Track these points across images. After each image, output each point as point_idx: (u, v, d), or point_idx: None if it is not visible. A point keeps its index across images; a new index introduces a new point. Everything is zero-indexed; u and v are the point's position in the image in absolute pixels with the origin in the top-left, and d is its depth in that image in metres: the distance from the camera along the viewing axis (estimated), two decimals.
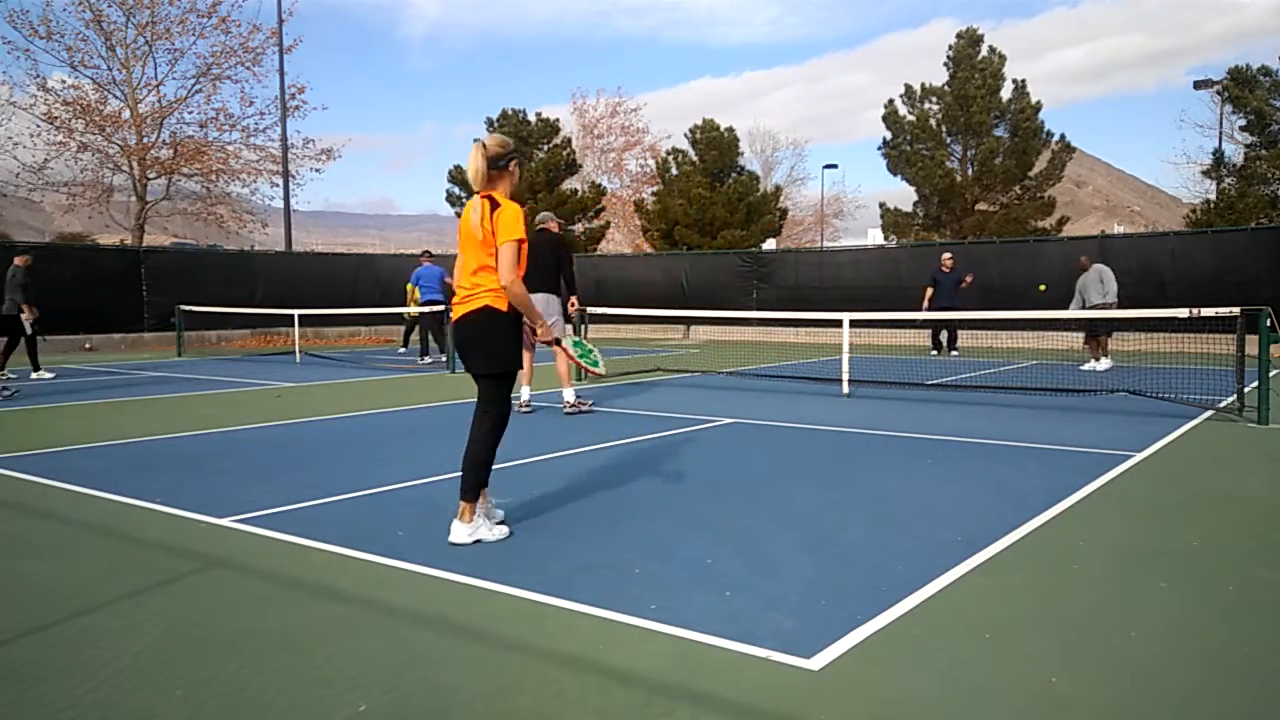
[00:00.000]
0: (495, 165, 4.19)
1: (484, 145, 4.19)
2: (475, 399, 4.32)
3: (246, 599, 3.56)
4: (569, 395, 8.84)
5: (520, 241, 4.09)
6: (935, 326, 16.71)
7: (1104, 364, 13.37)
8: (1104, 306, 12.98)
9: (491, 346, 4.22)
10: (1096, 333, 13.56)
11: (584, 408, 8.88)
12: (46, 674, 2.85)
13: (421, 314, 15.55)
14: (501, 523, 4.39)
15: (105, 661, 2.93)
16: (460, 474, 4.24)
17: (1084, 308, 13.34)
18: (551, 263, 8.82)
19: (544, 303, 8.86)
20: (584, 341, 5.02)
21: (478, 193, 4.22)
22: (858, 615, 3.26)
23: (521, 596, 3.51)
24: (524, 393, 9.13)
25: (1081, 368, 13.61)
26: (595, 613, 3.32)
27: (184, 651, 3.02)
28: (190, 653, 3.01)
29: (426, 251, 16.80)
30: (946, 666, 2.86)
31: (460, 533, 4.19)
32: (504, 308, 4.17)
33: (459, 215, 33.78)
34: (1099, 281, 13.23)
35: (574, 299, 9.14)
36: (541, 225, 9.06)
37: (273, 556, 4.09)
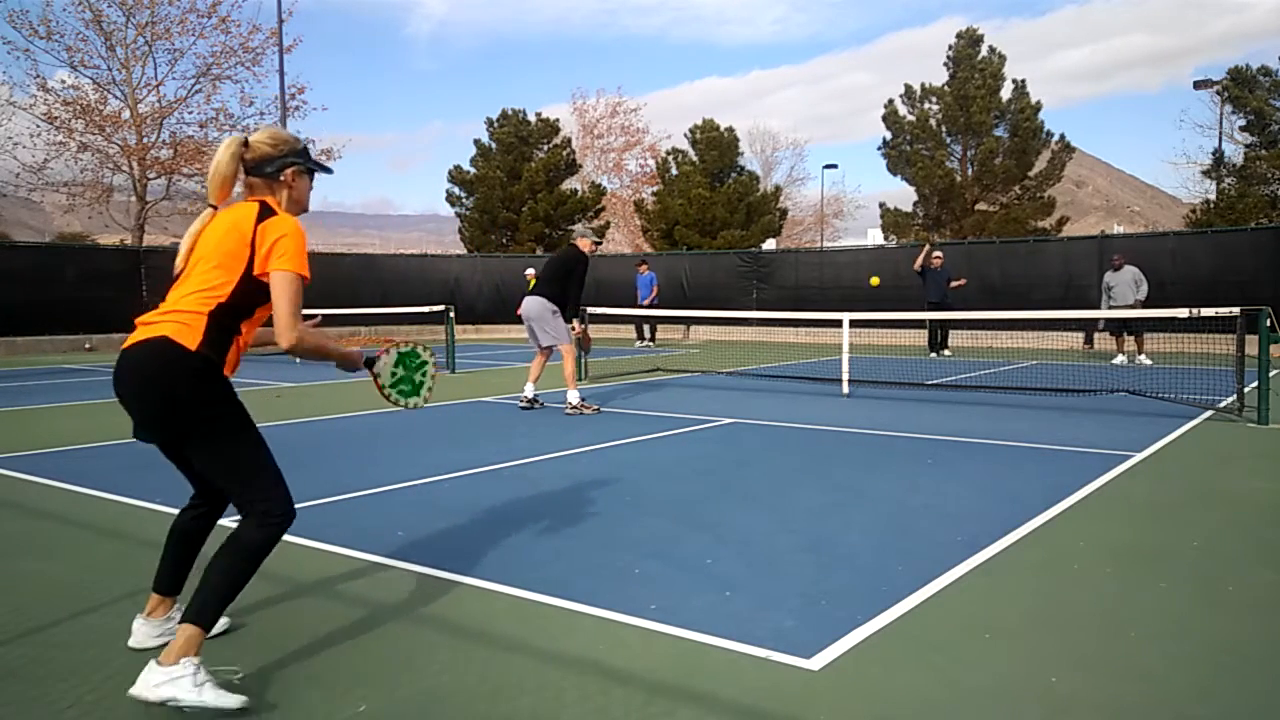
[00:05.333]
0: (259, 171, 2.87)
1: (245, 142, 2.88)
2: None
3: (246, 599, 3.56)
4: (573, 398, 8.86)
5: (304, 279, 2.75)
6: (932, 327, 16.73)
7: (1145, 360, 13.91)
8: (1135, 305, 13.60)
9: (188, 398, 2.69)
10: (1134, 330, 14.20)
11: (587, 410, 8.88)
12: (46, 674, 2.85)
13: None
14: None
15: (105, 661, 2.93)
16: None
17: (1110, 306, 13.91)
18: (557, 273, 9.02)
19: (540, 306, 8.97)
20: (419, 354, 3.26)
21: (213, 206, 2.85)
22: (858, 615, 3.26)
23: (521, 596, 3.51)
24: (528, 389, 9.15)
25: (1113, 362, 14.29)
26: (595, 613, 3.32)
27: None
28: None
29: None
30: (946, 666, 2.86)
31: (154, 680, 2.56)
32: (192, 344, 2.65)
33: (459, 215, 33.42)
34: (1134, 283, 13.94)
35: (575, 324, 9.23)
36: (573, 240, 9.19)
37: (272, 557, 4.08)
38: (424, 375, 3.27)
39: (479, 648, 3.04)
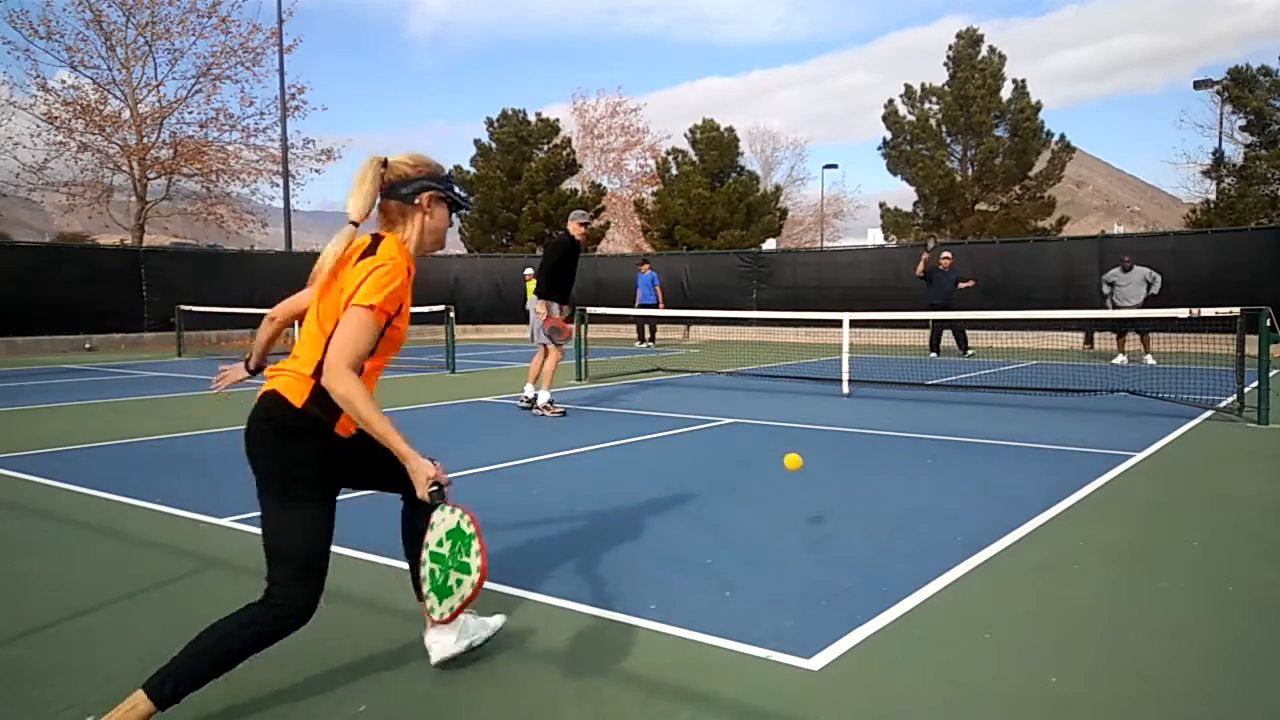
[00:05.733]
0: (394, 193, 2.65)
1: (384, 161, 2.64)
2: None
3: (246, 599, 3.55)
4: (542, 396, 8.65)
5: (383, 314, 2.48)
6: (936, 328, 16.64)
7: (1150, 360, 14.08)
8: (1140, 305, 13.77)
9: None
10: (1140, 330, 14.35)
11: (551, 412, 8.58)
12: (46, 674, 2.85)
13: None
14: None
15: (105, 661, 2.93)
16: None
17: (1114, 306, 14.09)
18: (544, 265, 9.02)
19: (536, 304, 8.99)
20: (473, 545, 2.47)
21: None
22: (858, 615, 3.26)
23: (521, 596, 3.51)
24: (528, 389, 9.06)
25: (1113, 362, 14.52)
26: (596, 613, 3.32)
27: None
28: None
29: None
30: (946, 666, 2.86)
31: None
32: (298, 401, 2.46)
33: (459, 216, 33.73)
34: (1143, 282, 14.09)
35: (546, 305, 8.91)
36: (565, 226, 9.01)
37: None
38: (461, 575, 2.46)
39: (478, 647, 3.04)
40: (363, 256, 2.52)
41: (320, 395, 2.43)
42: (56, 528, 4.67)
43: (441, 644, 2.80)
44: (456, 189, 2.77)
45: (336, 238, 2.53)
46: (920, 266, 16.61)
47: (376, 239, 2.59)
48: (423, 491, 2.51)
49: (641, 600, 3.44)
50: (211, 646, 2.39)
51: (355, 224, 2.56)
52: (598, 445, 7.00)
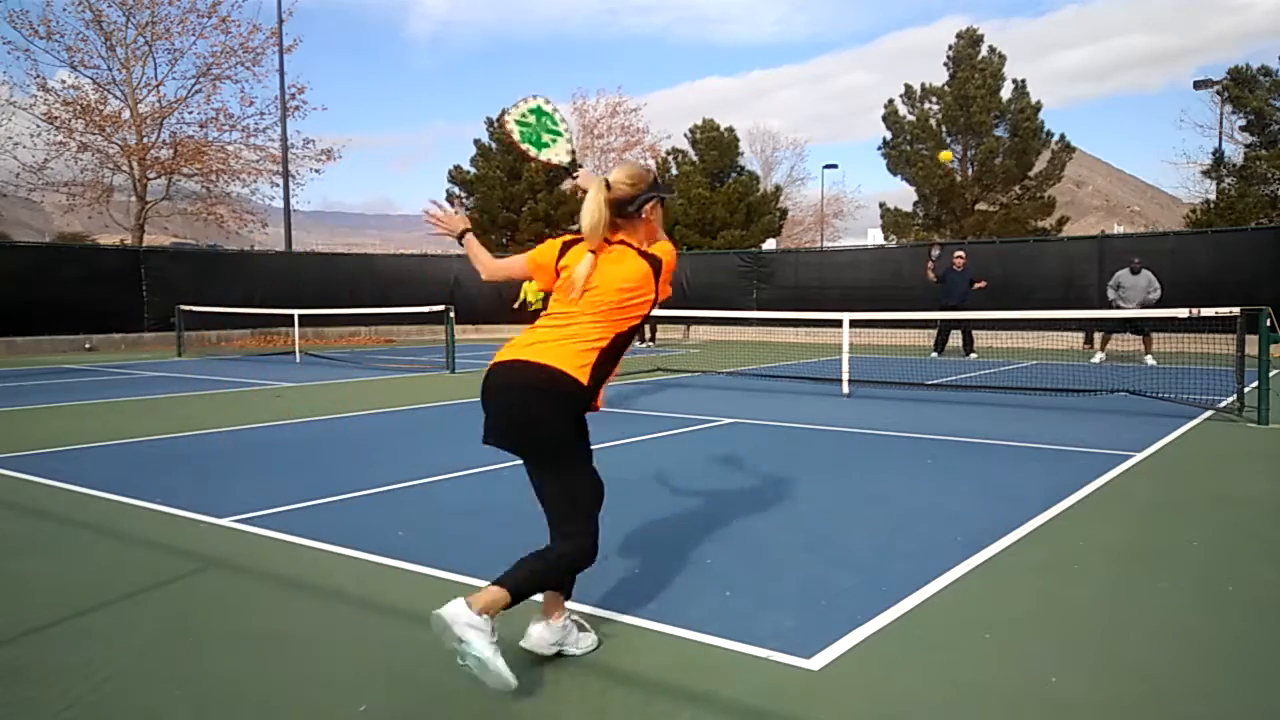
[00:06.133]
0: (620, 211, 2.89)
1: (606, 183, 2.90)
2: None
3: (246, 599, 3.56)
4: None
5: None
6: (944, 328, 16.57)
7: (1150, 360, 14.13)
8: (1145, 306, 13.88)
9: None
10: (1141, 331, 14.47)
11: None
12: (46, 674, 2.85)
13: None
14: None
15: (105, 661, 2.93)
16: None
17: (1118, 307, 14.14)
18: None
19: None
20: (556, 119, 3.49)
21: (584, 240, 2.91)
22: (858, 615, 3.26)
23: None
24: None
25: (1092, 360, 14.68)
26: (596, 613, 3.32)
27: (184, 651, 3.02)
28: (190, 653, 3.01)
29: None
30: (946, 666, 2.86)
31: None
32: (585, 380, 2.87)
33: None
34: (1146, 289, 14.18)
35: None
36: None
37: (272, 556, 4.09)
38: (553, 133, 3.44)
39: None
40: (656, 273, 2.93)
41: (596, 379, 2.88)
42: (56, 528, 4.67)
43: (537, 636, 2.92)
44: (663, 187, 3.01)
45: (585, 261, 2.87)
46: (930, 273, 16.48)
47: (651, 258, 2.93)
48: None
49: (641, 600, 3.44)
50: (529, 577, 2.77)
51: (594, 252, 2.88)
52: (597, 445, 6.97)
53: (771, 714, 2.56)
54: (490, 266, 3.21)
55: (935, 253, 16.87)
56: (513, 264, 3.17)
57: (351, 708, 2.60)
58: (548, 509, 2.90)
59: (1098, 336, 15.71)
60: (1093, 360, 14.77)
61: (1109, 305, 14.50)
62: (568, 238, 3.04)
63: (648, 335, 21.48)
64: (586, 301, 2.86)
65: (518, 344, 2.92)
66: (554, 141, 3.45)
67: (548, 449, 2.89)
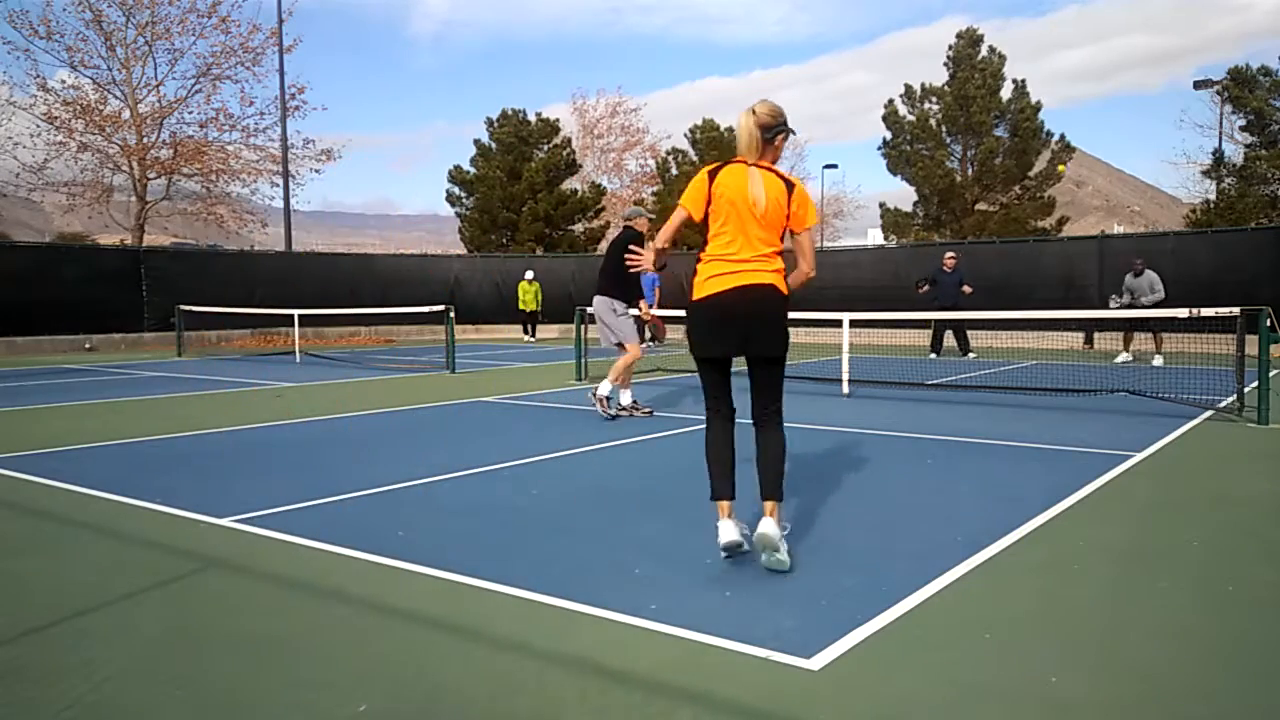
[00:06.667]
0: (766, 136, 3.89)
1: (754, 112, 3.90)
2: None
3: (246, 599, 3.56)
4: (624, 397, 8.52)
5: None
6: (938, 328, 16.58)
7: (1158, 360, 14.14)
8: (1151, 305, 13.99)
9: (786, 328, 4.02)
10: (1151, 330, 14.65)
11: (639, 413, 8.40)
12: (46, 674, 2.85)
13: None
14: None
15: (105, 661, 2.93)
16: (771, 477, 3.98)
17: (1125, 307, 14.23)
18: (606, 263, 8.52)
19: (600, 304, 8.50)
20: None
21: (743, 161, 3.93)
22: (858, 615, 3.26)
23: (521, 596, 3.51)
24: (604, 387, 8.48)
25: (1115, 361, 14.82)
26: (595, 613, 3.32)
27: (184, 652, 3.02)
28: (190, 653, 3.01)
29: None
30: (946, 666, 2.86)
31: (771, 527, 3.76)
32: (787, 291, 3.95)
33: (459, 215, 33.54)
34: (1150, 287, 14.24)
35: (642, 304, 8.61)
36: (628, 221, 8.37)
37: (272, 556, 4.09)
38: None
39: (479, 648, 3.04)
40: (791, 190, 3.89)
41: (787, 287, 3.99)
42: (56, 528, 4.67)
43: (768, 524, 3.76)
44: (789, 127, 3.98)
45: (755, 180, 3.85)
46: (918, 289, 16.45)
47: (787, 180, 3.89)
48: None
49: (642, 600, 3.44)
50: (776, 462, 3.98)
51: (743, 161, 3.92)
52: (597, 445, 7.00)
53: (771, 714, 2.56)
54: (663, 240, 4.11)
55: (924, 289, 16.54)
56: (673, 220, 3.96)
57: (351, 708, 2.60)
58: (772, 395, 4.09)
59: (1120, 336, 15.78)
60: (1117, 360, 14.82)
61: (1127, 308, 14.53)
62: (712, 166, 3.92)
63: (649, 335, 21.48)
64: (762, 219, 3.78)
65: (729, 270, 3.82)
66: None
67: (782, 347, 3.97)
